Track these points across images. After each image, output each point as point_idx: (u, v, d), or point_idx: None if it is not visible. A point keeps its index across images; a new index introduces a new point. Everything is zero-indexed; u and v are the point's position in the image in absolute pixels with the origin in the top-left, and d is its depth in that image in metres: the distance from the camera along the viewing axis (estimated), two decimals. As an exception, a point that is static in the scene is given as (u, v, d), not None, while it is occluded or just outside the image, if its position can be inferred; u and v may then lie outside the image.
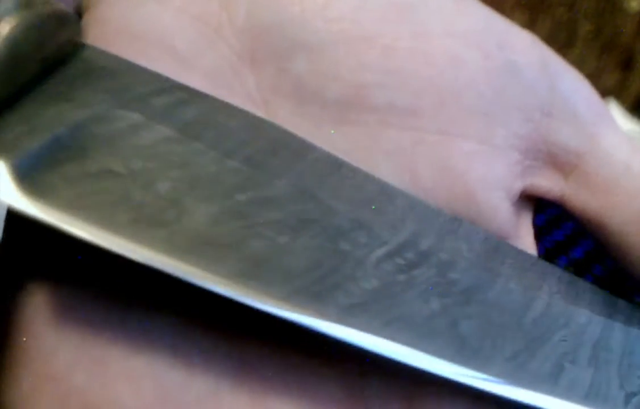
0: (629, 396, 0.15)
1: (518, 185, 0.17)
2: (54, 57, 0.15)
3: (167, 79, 0.16)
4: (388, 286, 0.14)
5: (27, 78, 0.14)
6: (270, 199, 0.14)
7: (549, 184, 0.18)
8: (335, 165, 0.16)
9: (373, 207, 0.15)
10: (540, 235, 0.40)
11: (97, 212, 0.13)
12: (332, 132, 0.17)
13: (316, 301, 0.13)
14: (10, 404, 0.13)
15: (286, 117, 0.17)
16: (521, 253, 0.17)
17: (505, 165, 0.17)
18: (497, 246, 0.16)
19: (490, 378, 0.13)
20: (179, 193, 0.13)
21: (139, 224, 0.13)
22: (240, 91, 0.17)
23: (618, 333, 0.16)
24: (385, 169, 0.16)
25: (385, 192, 0.16)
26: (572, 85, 0.18)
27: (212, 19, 0.17)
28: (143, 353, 0.13)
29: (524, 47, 0.18)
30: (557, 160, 0.18)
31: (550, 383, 0.14)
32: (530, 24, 0.56)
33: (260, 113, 0.17)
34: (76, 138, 0.14)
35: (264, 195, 0.14)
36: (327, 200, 0.14)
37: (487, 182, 0.17)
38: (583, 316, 0.16)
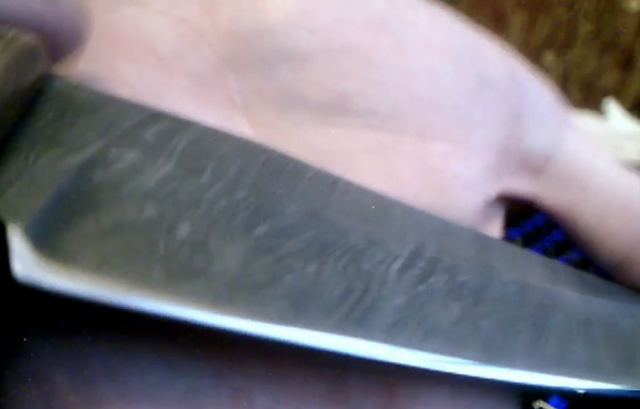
0: (618, 364, 0.16)
1: (493, 187, 0.18)
2: (28, 95, 0.14)
3: (147, 108, 0.15)
4: (413, 299, 0.14)
5: (8, 122, 0.13)
6: (286, 228, 0.14)
7: (521, 185, 0.19)
8: (330, 181, 0.16)
9: (377, 221, 0.16)
10: (539, 235, 0.41)
11: (128, 272, 0.12)
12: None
13: (361, 327, 0.13)
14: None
15: (267, 120, 0.17)
16: (506, 245, 0.17)
17: (480, 167, 0.18)
18: (485, 242, 0.17)
19: (518, 370, 0.15)
20: (201, 235, 0.13)
21: (173, 277, 0.12)
22: (222, 94, 0.17)
23: (597, 307, 0.17)
24: (364, 167, 0.17)
25: (381, 203, 0.16)
26: (538, 92, 0.19)
27: (194, 22, 0.17)
28: (126, 352, 0.13)
29: (495, 58, 0.19)
30: (527, 162, 0.19)
31: (560, 365, 0.15)
32: (530, 24, 0.56)
33: (241, 116, 0.17)
34: (80, 188, 0.13)
35: (279, 225, 0.14)
36: (336, 220, 0.15)
37: (461, 180, 0.18)
38: (567, 297, 0.17)
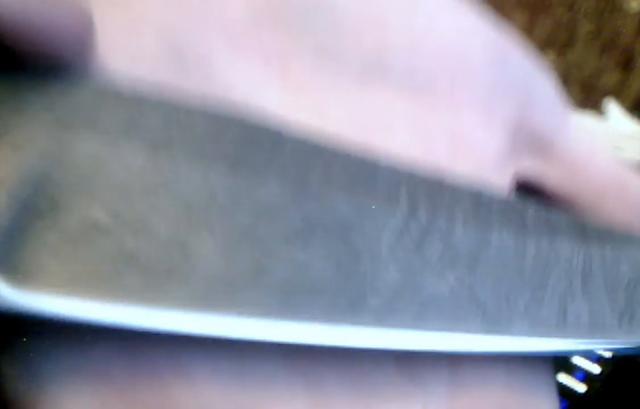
0: (621, 317, 0.16)
1: (512, 165, 0.19)
2: None
3: (105, 86, 0.14)
4: (407, 272, 0.14)
5: None
6: (269, 209, 0.13)
7: (530, 164, 0.20)
8: (314, 150, 0.15)
9: (366, 187, 0.15)
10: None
11: (99, 285, 0.11)
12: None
13: (351, 313, 0.13)
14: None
15: (301, 78, 0.16)
16: (501, 195, 0.17)
17: (500, 141, 0.19)
18: (481, 194, 0.17)
19: (514, 338, 0.14)
20: (176, 229, 0.12)
21: (149, 283, 0.11)
22: (255, 48, 0.16)
23: (595, 256, 0.17)
24: (400, 135, 0.17)
25: (366, 165, 0.15)
26: (545, 77, 0.20)
27: None
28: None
29: (510, 41, 0.20)
30: (535, 143, 0.20)
31: (560, 327, 0.15)
32: (530, 24, 0.56)
33: (273, 73, 0.16)
34: (38, 191, 0.11)
35: (261, 205, 0.13)
36: (322, 193, 0.14)
37: (491, 153, 0.18)
38: (566, 249, 0.16)
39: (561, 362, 0.27)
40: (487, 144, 0.18)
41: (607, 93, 0.54)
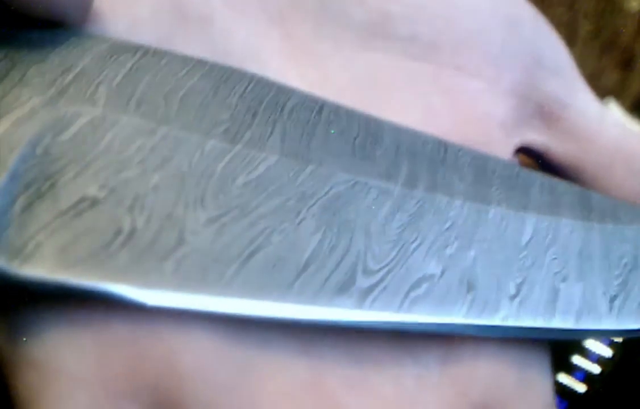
0: (612, 301, 0.15)
1: (516, 134, 0.19)
2: None
3: (93, 42, 0.13)
4: (399, 249, 0.13)
5: None
6: (263, 180, 0.13)
7: (535, 133, 0.19)
8: (316, 110, 0.15)
9: (365, 155, 0.14)
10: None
11: (93, 264, 0.11)
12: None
13: (337, 292, 0.12)
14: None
15: (303, 36, 0.16)
16: (505, 166, 0.17)
17: (507, 108, 0.18)
18: (484, 166, 0.16)
19: (498, 324, 0.14)
20: (171, 204, 0.12)
21: (141, 262, 0.11)
22: (255, 3, 0.16)
23: (596, 234, 0.16)
24: (402, 98, 0.17)
25: (370, 130, 0.15)
26: (557, 42, 0.20)
27: None
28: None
29: (522, 3, 0.19)
30: (543, 111, 0.19)
31: (549, 311, 0.14)
32: (530, 24, 0.56)
33: (274, 29, 0.16)
34: (40, 169, 0.11)
35: (255, 176, 0.13)
36: (319, 162, 0.14)
37: (495, 119, 0.18)
38: (566, 226, 0.16)
39: (561, 362, 0.27)
40: (492, 110, 0.18)
41: (607, 93, 0.54)
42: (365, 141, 0.15)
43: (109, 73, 0.13)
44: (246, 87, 0.14)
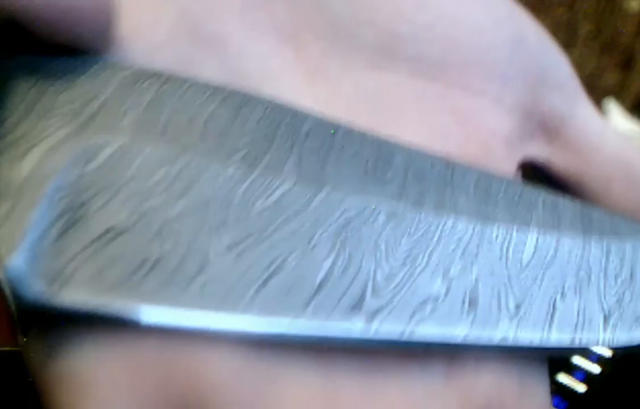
0: (607, 318, 0.15)
1: (519, 150, 0.19)
2: None
3: (119, 70, 0.14)
4: (407, 271, 0.14)
5: None
6: (281, 203, 0.13)
7: (538, 148, 0.20)
8: (328, 133, 0.15)
9: (376, 178, 0.15)
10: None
11: (122, 289, 0.12)
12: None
13: (348, 314, 0.13)
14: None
15: (315, 55, 0.17)
16: (509, 184, 0.17)
17: (511, 124, 0.18)
18: (489, 185, 0.16)
19: (498, 342, 0.14)
20: (195, 230, 0.12)
21: (168, 287, 0.12)
22: (270, 21, 0.17)
23: (595, 249, 0.16)
24: (410, 116, 0.17)
25: (382, 153, 0.15)
26: (560, 58, 0.20)
27: None
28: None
29: (526, 19, 0.19)
30: (545, 126, 0.19)
31: (546, 328, 0.15)
32: (530, 24, 0.56)
33: (288, 47, 0.17)
34: (72, 197, 0.12)
35: (274, 201, 0.13)
36: (333, 186, 0.14)
37: (496, 134, 0.18)
38: (567, 244, 0.16)
39: (561, 362, 0.27)
40: (496, 126, 0.18)
41: (607, 93, 0.54)
42: (377, 163, 0.15)
43: (133, 101, 0.13)
44: (263, 113, 0.15)
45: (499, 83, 0.18)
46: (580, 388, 0.26)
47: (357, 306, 0.13)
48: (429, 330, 0.14)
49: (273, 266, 0.13)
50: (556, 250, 0.16)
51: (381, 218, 0.14)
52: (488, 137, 0.18)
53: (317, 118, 0.15)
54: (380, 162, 0.15)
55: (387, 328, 0.13)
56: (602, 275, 0.16)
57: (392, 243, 0.14)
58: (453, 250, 0.15)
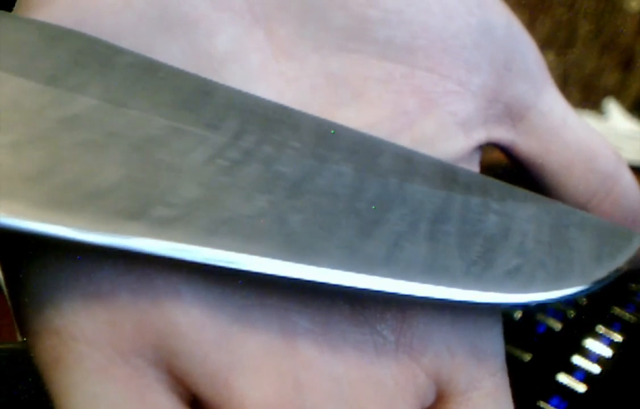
0: (470, 265, 0.15)
1: (481, 132, 0.19)
2: None
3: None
4: (211, 191, 0.13)
5: None
6: (75, 117, 0.13)
7: (502, 131, 0.20)
8: (150, 69, 0.15)
9: (191, 110, 0.15)
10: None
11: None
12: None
13: (127, 219, 0.12)
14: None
15: (285, 36, 0.17)
16: (356, 134, 0.17)
17: (475, 109, 0.19)
18: (331, 132, 0.16)
19: (321, 268, 0.14)
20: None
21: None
22: (241, 5, 0.17)
23: (457, 204, 0.16)
24: (373, 94, 0.18)
25: (204, 89, 0.15)
26: (528, 45, 0.21)
27: None
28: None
29: (496, 7, 0.20)
30: (510, 111, 0.20)
31: (386, 265, 0.14)
32: (530, 24, 0.56)
33: (259, 28, 0.17)
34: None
35: (69, 114, 0.13)
36: (139, 110, 0.14)
37: (458, 119, 0.19)
38: (420, 193, 0.16)
39: (561, 362, 0.27)
40: (458, 109, 0.19)
41: (607, 93, 0.54)
42: (196, 96, 0.15)
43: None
44: (79, 43, 0.15)
45: (465, 68, 0.19)
46: (580, 388, 0.26)
47: (139, 214, 0.13)
48: (228, 248, 0.13)
49: (49, 167, 0.13)
50: (405, 197, 0.15)
51: (188, 141, 0.14)
52: (446, 119, 0.18)
53: (138, 55, 0.15)
54: (200, 96, 0.15)
55: (177, 238, 0.13)
56: (466, 227, 0.16)
57: (197, 163, 0.14)
58: (272, 179, 0.14)
